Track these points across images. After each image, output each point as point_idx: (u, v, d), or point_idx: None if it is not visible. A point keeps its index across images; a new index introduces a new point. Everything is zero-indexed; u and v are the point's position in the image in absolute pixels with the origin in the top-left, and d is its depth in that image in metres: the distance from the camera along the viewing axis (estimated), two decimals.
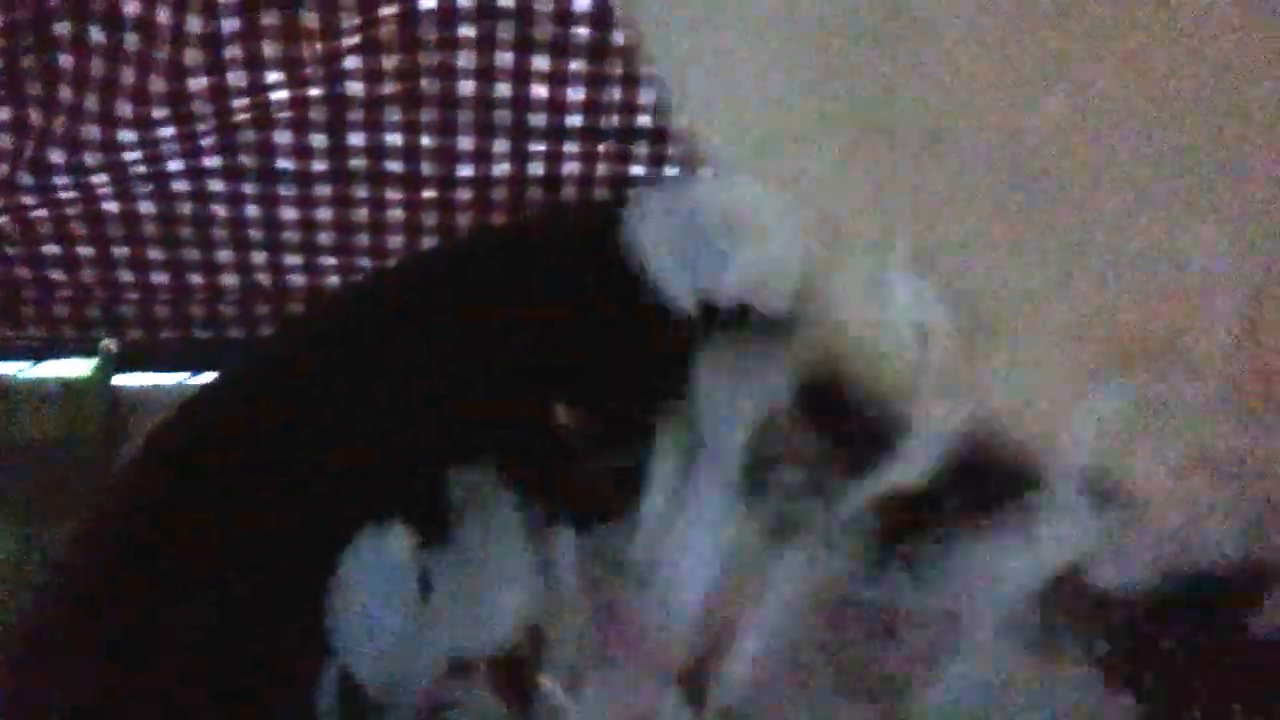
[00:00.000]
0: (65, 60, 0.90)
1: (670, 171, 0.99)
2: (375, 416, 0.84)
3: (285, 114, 0.95)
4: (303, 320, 0.90)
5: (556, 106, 0.96)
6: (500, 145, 0.98)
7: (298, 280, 1.04)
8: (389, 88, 0.95)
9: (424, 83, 0.95)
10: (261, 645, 0.81)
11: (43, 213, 0.98)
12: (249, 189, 0.99)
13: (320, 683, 0.82)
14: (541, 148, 0.99)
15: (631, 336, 0.94)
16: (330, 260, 1.04)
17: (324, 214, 1.01)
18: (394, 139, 0.97)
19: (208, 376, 0.92)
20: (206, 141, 0.96)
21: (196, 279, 1.04)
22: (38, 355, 1.04)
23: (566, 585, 0.79)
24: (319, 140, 0.97)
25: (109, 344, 1.05)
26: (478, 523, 0.89)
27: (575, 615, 0.78)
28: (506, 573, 0.83)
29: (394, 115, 0.96)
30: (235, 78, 0.93)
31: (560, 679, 0.76)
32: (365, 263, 1.03)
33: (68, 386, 1.02)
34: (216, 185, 0.99)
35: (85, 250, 1.01)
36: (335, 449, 0.82)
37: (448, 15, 0.91)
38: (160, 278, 1.03)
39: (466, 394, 0.88)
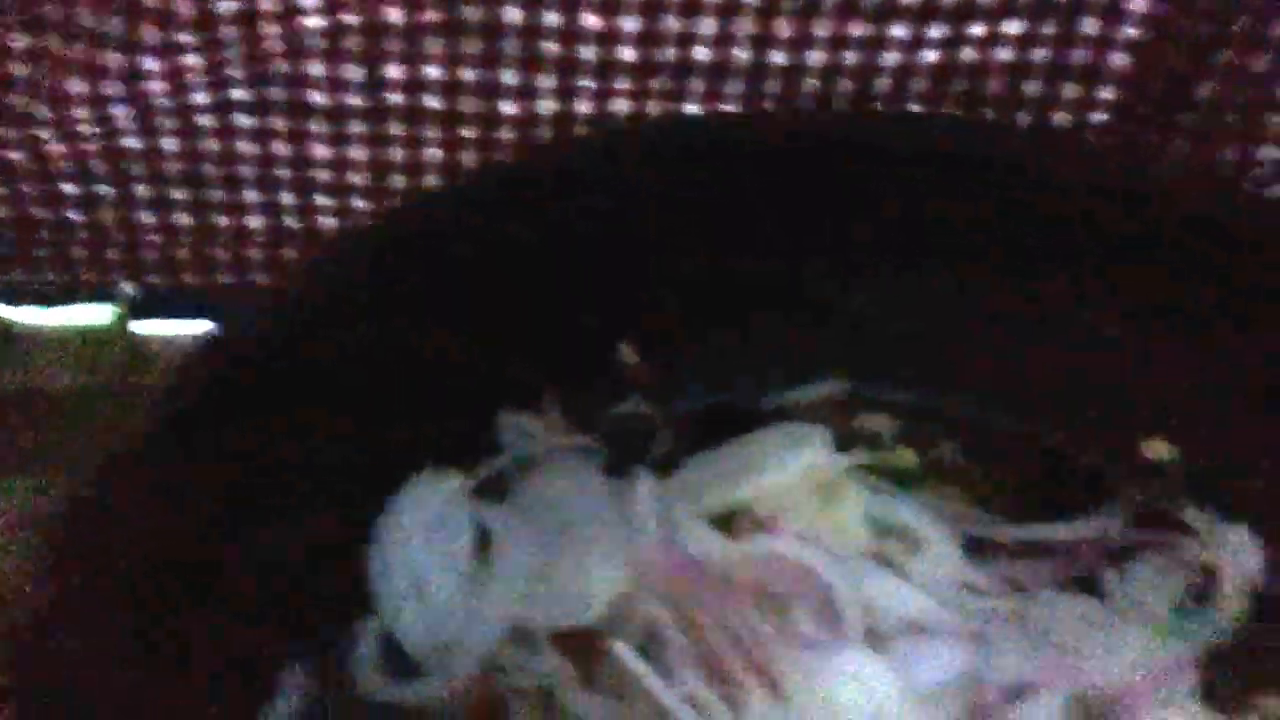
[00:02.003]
0: None
1: (725, 108, 0.94)
2: (424, 354, 0.79)
3: (318, 43, 0.89)
4: (343, 253, 0.83)
5: (608, 38, 0.90)
6: (547, 81, 0.93)
7: (328, 223, 0.98)
8: (429, 15, 0.89)
9: (466, 10, 0.89)
10: (298, 599, 0.76)
11: (60, 148, 0.92)
12: (278, 124, 0.93)
13: (359, 645, 0.78)
14: (591, 84, 0.93)
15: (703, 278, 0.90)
16: (362, 203, 0.98)
17: (357, 153, 0.95)
18: (433, 72, 0.92)
19: None
20: (234, 72, 0.90)
21: (221, 220, 0.98)
22: (54, 301, 0.98)
23: (648, 542, 0.73)
24: (353, 73, 0.91)
25: (129, 289, 0.99)
26: (545, 474, 0.84)
27: (659, 578, 0.73)
28: (586, 536, 0.77)
29: (434, 46, 0.90)
30: (266, 3, 0.87)
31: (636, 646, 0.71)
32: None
33: (85, 334, 0.97)
34: (244, 120, 0.93)
35: (104, 189, 0.95)
36: (382, 388, 0.77)
37: None
38: (183, 219, 0.97)
39: (520, 335, 0.83)
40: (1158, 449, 0.88)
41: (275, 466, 0.74)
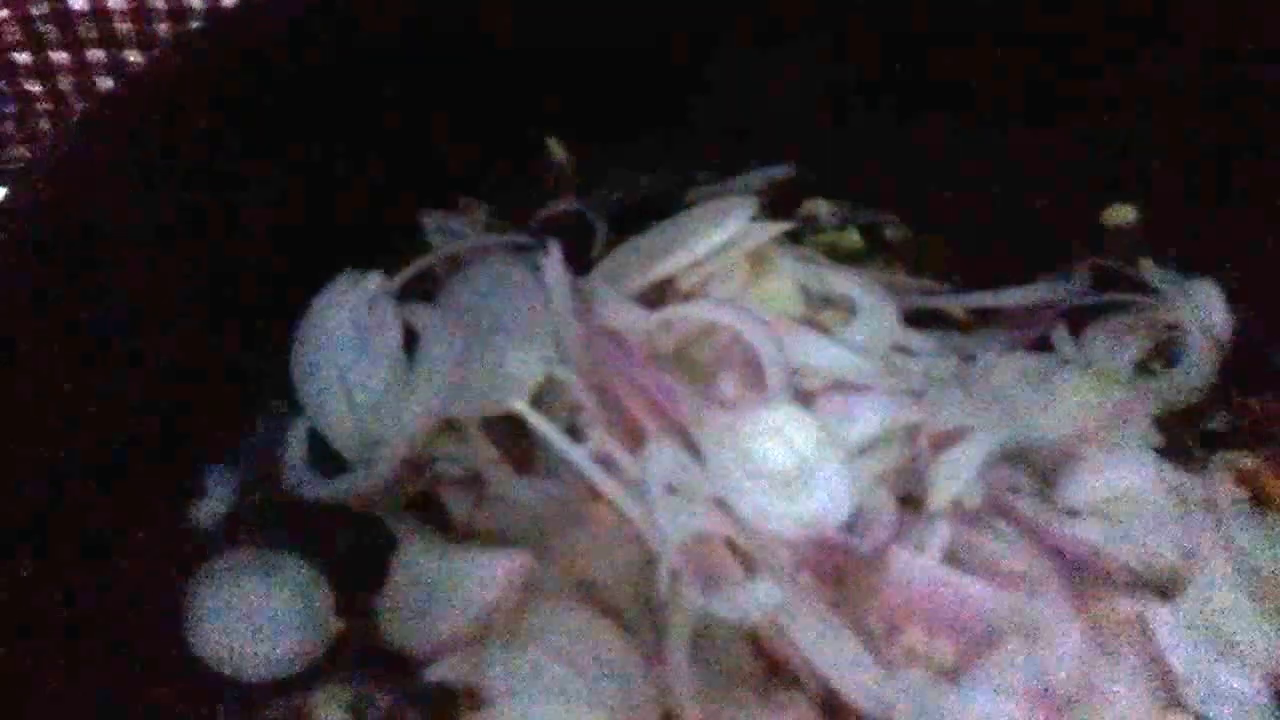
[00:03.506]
0: None
1: None
2: (345, 155, 0.77)
3: None
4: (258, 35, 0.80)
5: None
6: None
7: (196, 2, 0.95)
8: None
9: None
10: (222, 401, 0.75)
11: None
12: None
13: (286, 444, 0.76)
14: None
15: (616, 70, 0.87)
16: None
17: None
18: None
19: None
20: None
21: None
22: None
23: (566, 318, 0.71)
24: None
25: None
26: (472, 272, 0.81)
27: (580, 354, 0.70)
28: (511, 326, 0.75)
29: None
30: None
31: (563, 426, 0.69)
32: None
33: None
34: None
35: None
36: (304, 188, 0.75)
37: None
38: None
39: (443, 131, 0.81)
40: (1119, 213, 0.84)
41: (196, 265, 0.73)
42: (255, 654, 0.68)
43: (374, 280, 0.78)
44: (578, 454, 0.65)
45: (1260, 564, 0.67)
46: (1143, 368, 0.78)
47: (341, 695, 0.68)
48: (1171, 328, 0.79)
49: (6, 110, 0.97)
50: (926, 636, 0.60)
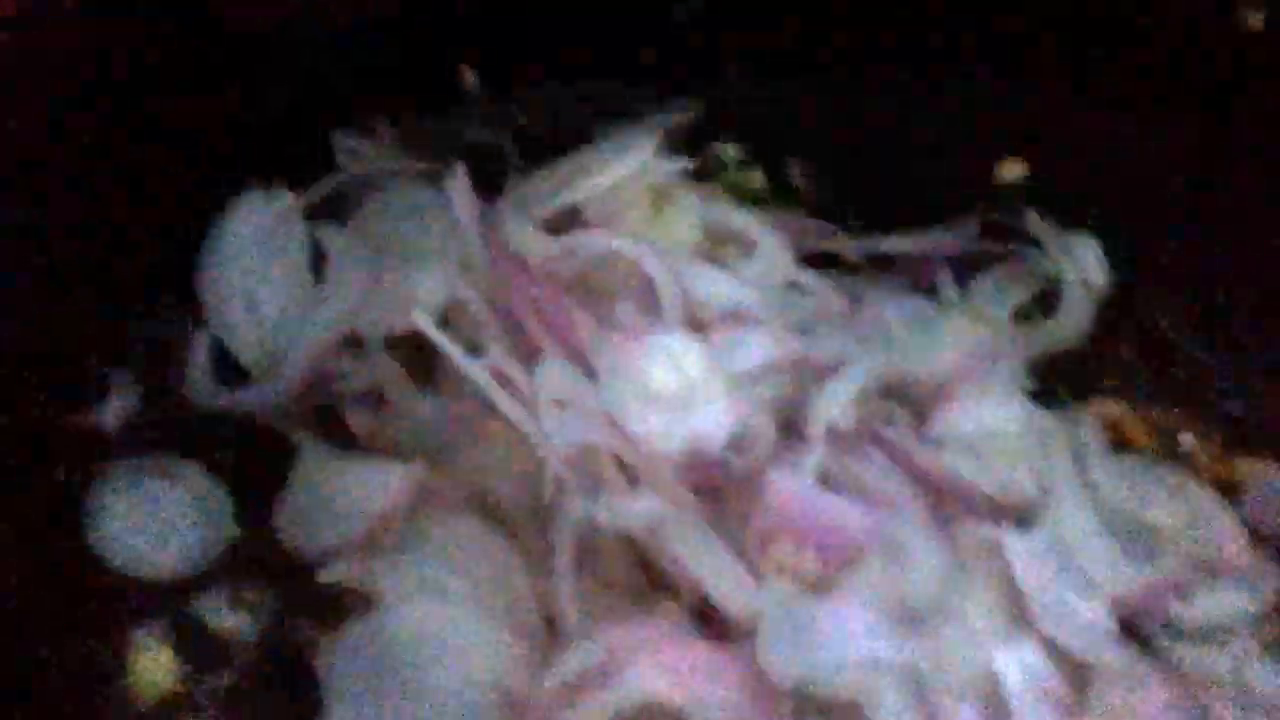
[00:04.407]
0: None
1: None
2: (260, 69, 0.78)
3: None
4: None
5: None
6: None
7: None
8: None
9: None
10: (128, 303, 0.77)
11: None
12: None
13: (190, 355, 0.77)
14: None
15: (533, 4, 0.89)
16: None
17: None
18: None
19: None
20: None
21: None
22: None
23: (475, 257, 0.73)
24: None
25: None
26: (383, 195, 0.81)
27: (481, 276, 0.72)
28: (417, 247, 0.77)
29: None
30: None
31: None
32: None
33: None
34: None
35: None
36: (206, 95, 0.76)
37: None
38: None
39: (362, 56, 0.82)
40: (1011, 169, 0.88)
41: (110, 170, 0.73)
42: (153, 553, 0.70)
43: (283, 197, 0.79)
44: (474, 369, 0.67)
45: (1115, 501, 0.72)
46: (1022, 316, 0.82)
47: (235, 596, 0.70)
48: (1052, 279, 0.83)
49: None
50: (796, 551, 0.63)
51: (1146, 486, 0.73)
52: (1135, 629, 0.69)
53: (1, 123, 0.70)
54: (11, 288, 0.71)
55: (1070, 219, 0.85)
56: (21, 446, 0.71)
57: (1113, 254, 0.84)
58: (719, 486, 0.65)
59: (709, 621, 0.64)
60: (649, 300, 0.72)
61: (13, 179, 0.71)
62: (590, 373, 0.68)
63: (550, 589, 0.64)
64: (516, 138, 0.84)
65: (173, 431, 0.75)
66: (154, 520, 0.71)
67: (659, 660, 0.61)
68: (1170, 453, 0.79)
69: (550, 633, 0.65)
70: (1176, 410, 0.80)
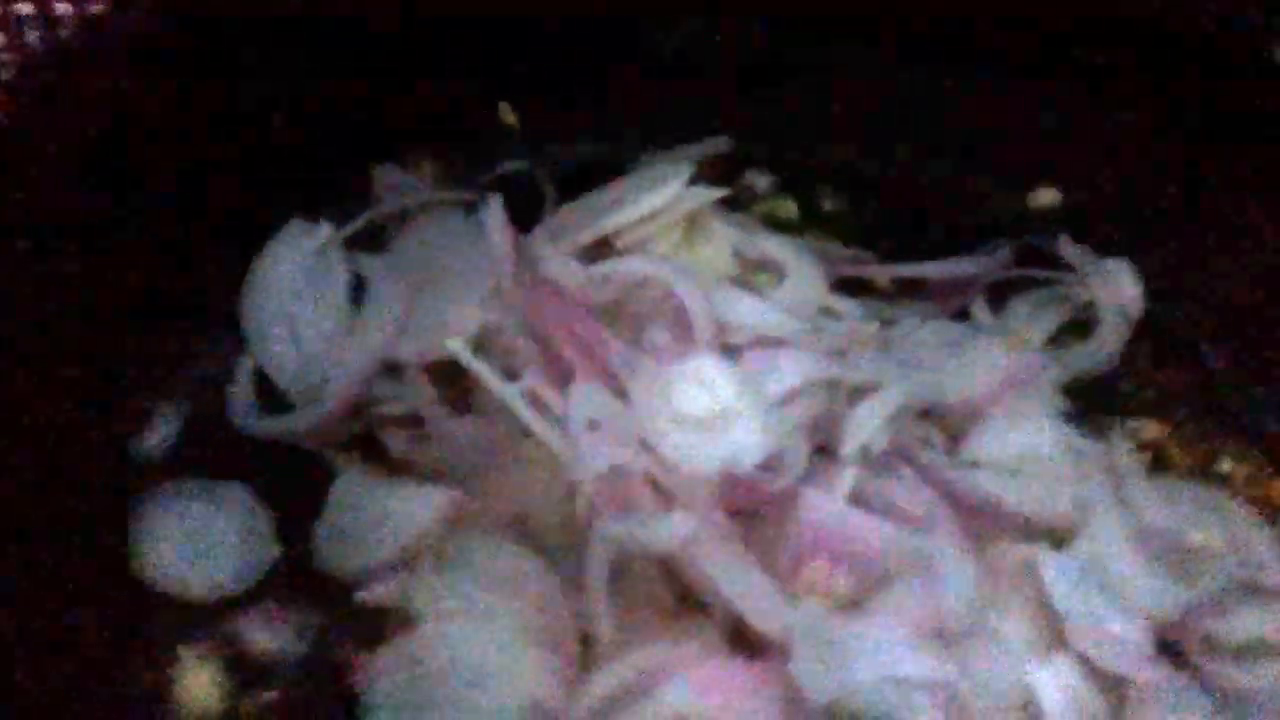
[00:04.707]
0: None
1: None
2: (297, 100, 0.80)
3: None
4: None
5: None
6: None
7: None
8: None
9: None
10: (172, 333, 0.78)
11: None
12: None
13: (233, 382, 0.79)
14: None
15: (568, 40, 0.91)
16: None
17: None
18: None
19: None
20: None
21: None
22: None
23: (509, 284, 0.74)
24: None
25: None
26: (420, 225, 0.84)
27: (516, 303, 0.73)
28: (454, 275, 0.78)
29: None
30: None
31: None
32: None
33: None
34: None
35: None
36: (250, 130, 0.79)
37: None
38: None
39: (401, 91, 0.84)
40: (1044, 196, 0.88)
41: (155, 200, 0.75)
42: (196, 574, 0.71)
43: (323, 229, 0.81)
44: (509, 393, 0.68)
45: (1153, 521, 0.71)
46: (1057, 340, 0.82)
47: (278, 616, 0.71)
48: (1087, 304, 0.83)
49: None
50: (829, 571, 0.63)
51: (1184, 507, 0.73)
52: (1173, 647, 0.68)
53: (50, 156, 0.73)
54: (60, 317, 0.74)
55: (1104, 243, 0.85)
56: (69, 472, 0.73)
57: (1148, 278, 0.84)
58: (752, 506, 0.66)
59: (743, 640, 0.65)
60: (681, 324, 0.73)
61: (61, 211, 0.74)
62: (623, 396, 0.69)
63: (585, 609, 0.65)
64: (551, 170, 0.86)
65: (216, 456, 0.77)
66: (198, 542, 0.72)
67: (693, 678, 0.61)
68: (1208, 473, 0.78)
69: (586, 651, 0.65)
70: (1214, 431, 0.80)
